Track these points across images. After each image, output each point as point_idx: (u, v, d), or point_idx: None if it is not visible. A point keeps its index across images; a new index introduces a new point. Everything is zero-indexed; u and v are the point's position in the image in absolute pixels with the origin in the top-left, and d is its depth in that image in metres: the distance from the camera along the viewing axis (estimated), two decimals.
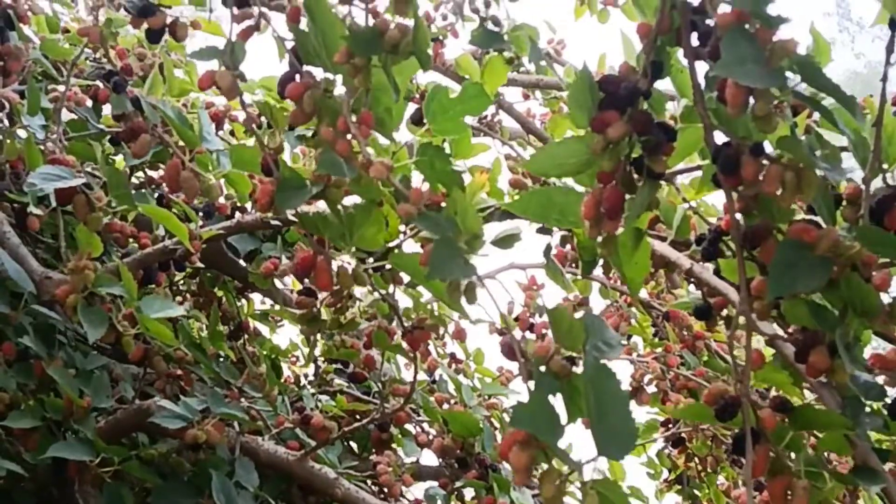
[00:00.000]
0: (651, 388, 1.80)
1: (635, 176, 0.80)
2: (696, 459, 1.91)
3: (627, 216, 0.80)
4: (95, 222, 1.10)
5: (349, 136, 0.77)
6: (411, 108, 1.50)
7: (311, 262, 0.83)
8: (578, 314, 0.77)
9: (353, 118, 0.77)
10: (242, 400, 1.37)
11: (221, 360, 1.47)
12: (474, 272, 0.76)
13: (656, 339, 1.86)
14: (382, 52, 0.74)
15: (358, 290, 1.12)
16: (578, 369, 0.79)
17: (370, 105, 0.78)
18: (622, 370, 1.94)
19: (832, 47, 1.15)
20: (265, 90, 2.12)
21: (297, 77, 0.85)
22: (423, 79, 1.72)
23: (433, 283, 0.82)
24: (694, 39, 0.77)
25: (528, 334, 1.80)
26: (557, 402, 0.74)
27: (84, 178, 1.08)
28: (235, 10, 0.87)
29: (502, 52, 0.88)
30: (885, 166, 0.81)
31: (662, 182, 0.83)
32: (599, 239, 0.82)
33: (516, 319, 1.79)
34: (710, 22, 0.74)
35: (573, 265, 1.32)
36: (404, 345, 1.18)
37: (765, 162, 0.73)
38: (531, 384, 0.77)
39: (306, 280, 0.95)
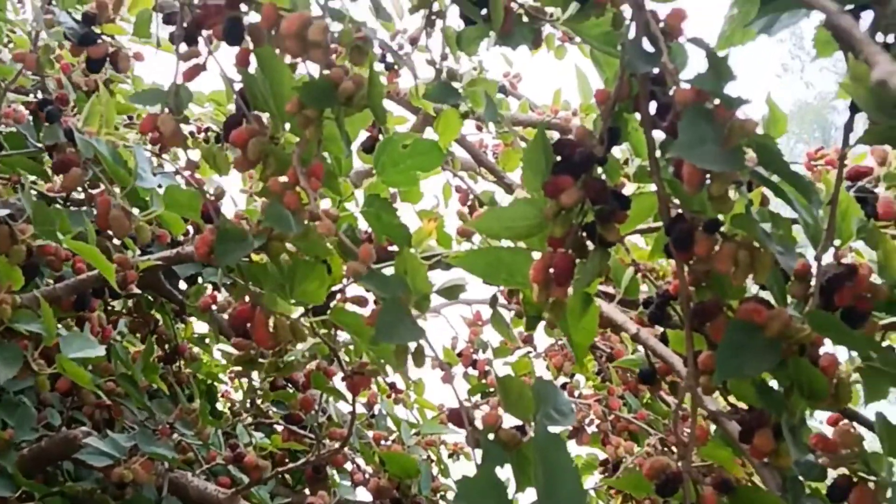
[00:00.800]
0: (592, 428, 1.79)
1: (587, 241, 0.79)
2: (634, 501, 1.91)
3: (577, 282, 0.79)
4: (17, 255, 1.05)
5: (297, 189, 0.75)
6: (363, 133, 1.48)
7: (249, 315, 0.80)
8: (529, 382, 0.75)
9: (303, 169, 0.74)
10: (174, 434, 1.32)
11: (155, 391, 1.43)
12: (423, 335, 0.73)
13: (599, 380, 1.86)
14: (335, 104, 0.71)
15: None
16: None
17: (320, 156, 0.76)
18: None
19: (784, 75, 1.15)
20: (214, 104, 2.09)
21: (244, 122, 0.82)
22: None
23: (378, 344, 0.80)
24: (652, 108, 0.76)
25: (470, 370, 1.78)
26: (506, 469, 0.73)
27: (7, 209, 1.03)
28: (182, 48, 0.84)
29: (457, 106, 0.87)
30: (836, 244, 0.80)
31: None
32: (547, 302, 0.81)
33: (459, 355, 1.78)
34: (669, 92, 0.73)
35: (518, 316, 1.30)
36: (344, 388, 1.15)
37: (718, 238, 0.72)
38: (478, 453, 0.75)
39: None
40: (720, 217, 0.72)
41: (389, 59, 1.82)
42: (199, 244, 0.78)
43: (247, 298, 0.83)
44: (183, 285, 1.64)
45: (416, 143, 0.93)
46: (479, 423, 0.73)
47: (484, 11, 0.87)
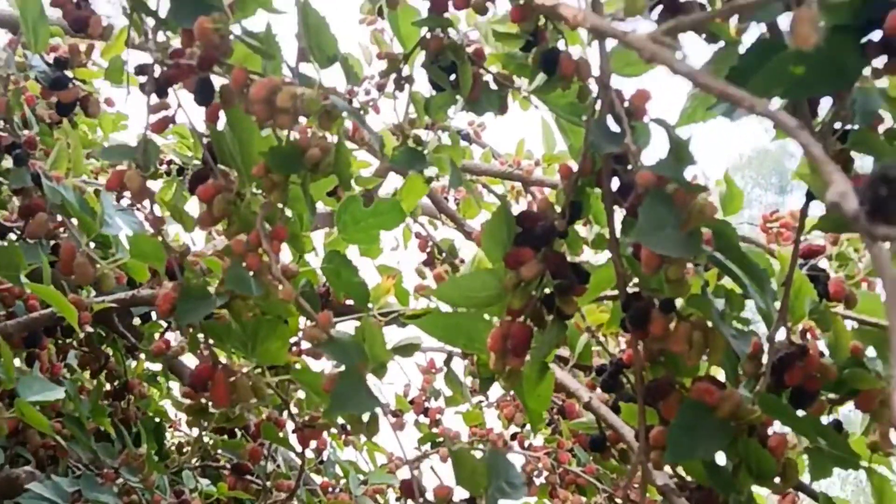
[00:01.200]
0: (540, 480, 1.79)
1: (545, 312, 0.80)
2: None
3: (534, 352, 0.80)
4: None
5: (260, 250, 0.75)
6: None
7: (209, 374, 0.79)
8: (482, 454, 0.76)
9: (266, 231, 0.74)
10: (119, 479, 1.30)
11: (102, 431, 1.41)
12: (378, 404, 0.74)
13: (550, 431, 1.86)
14: (302, 170, 0.72)
15: None
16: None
17: (284, 219, 0.76)
18: (514, 461, 1.94)
19: (743, 120, 1.17)
20: (178, 137, 2.08)
21: (211, 176, 0.82)
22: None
23: None
24: (615, 184, 0.77)
25: (422, 418, 1.78)
26: None
27: None
28: (152, 99, 0.84)
29: (422, 172, 0.88)
30: (788, 324, 0.82)
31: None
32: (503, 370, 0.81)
33: (412, 402, 1.78)
34: (631, 170, 0.75)
35: (472, 376, 1.31)
36: (293, 439, 1.14)
37: (674, 318, 0.74)
38: None
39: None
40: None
41: (356, 103, 1.83)
42: (162, 301, 0.78)
43: (206, 354, 0.82)
44: (137, 320, 1.63)
45: (378, 204, 0.94)
46: (430, 496, 0.73)
47: (453, 77, 0.88)
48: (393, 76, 0.84)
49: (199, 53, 0.72)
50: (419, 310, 1.08)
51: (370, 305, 1.05)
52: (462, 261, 2.15)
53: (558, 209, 0.79)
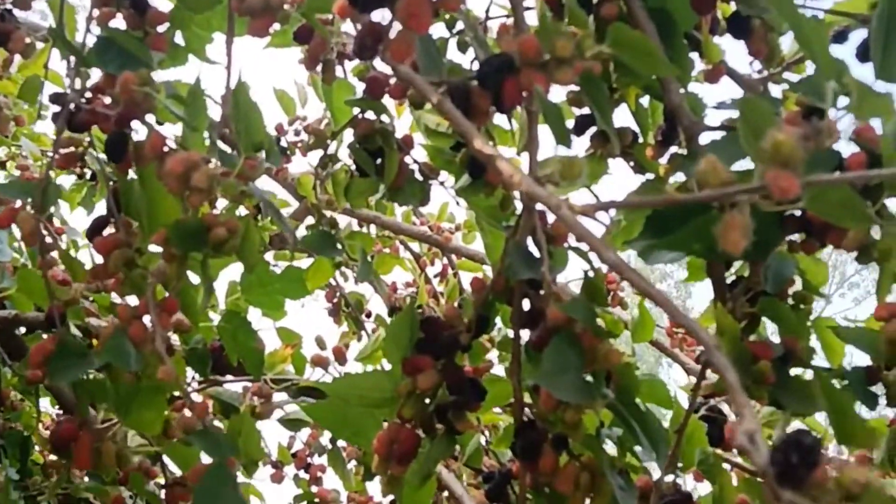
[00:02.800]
0: None
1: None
2: None
3: (419, 462, 0.77)
4: None
5: (147, 321, 0.71)
6: None
7: (73, 435, 0.75)
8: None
9: (155, 303, 0.70)
10: None
11: None
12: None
13: None
14: (204, 248, 0.68)
15: None
16: None
17: (177, 289, 0.72)
18: None
19: None
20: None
21: (112, 226, 0.78)
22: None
23: None
24: (526, 304, 0.76)
25: (302, 473, 1.73)
26: None
27: None
28: (63, 134, 0.80)
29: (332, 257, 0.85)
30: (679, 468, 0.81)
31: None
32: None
33: (294, 455, 1.73)
34: (543, 295, 0.73)
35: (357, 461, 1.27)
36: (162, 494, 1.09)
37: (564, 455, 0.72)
38: None
39: None
40: None
41: (283, 143, 1.80)
42: (34, 353, 0.73)
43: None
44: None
45: (287, 270, 0.91)
46: None
47: (379, 161, 0.86)
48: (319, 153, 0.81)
49: (119, 110, 0.69)
50: (313, 382, 1.04)
51: (263, 373, 1.01)
52: (368, 314, 2.12)
53: (465, 319, 0.77)
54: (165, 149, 0.66)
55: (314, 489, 1.67)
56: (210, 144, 0.66)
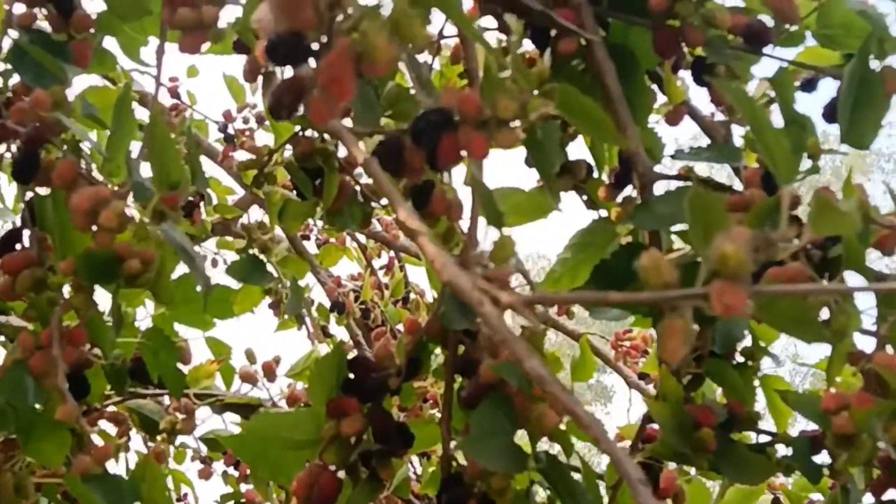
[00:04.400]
0: None
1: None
2: None
3: None
4: None
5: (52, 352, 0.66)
6: None
7: None
8: None
9: (59, 334, 0.65)
10: None
11: None
12: None
13: None
14: (115, 280, 0.63)
15: None
16: None
17: (86, 320, 0.67)
18: None
19: None
20: None
21: (25, 238, 0.73)
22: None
23: None
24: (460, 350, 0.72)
25: (231, 469, 1.69)
26: None
27: None
28: None
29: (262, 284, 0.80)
30: None
31: None
32: None
33: (224, 452, 1.68)
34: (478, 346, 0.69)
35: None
36: None
37: None
38: None
39: None
40: None
41: (231, 130, 1.74)
42: None
43: None
44: None
45: (217, 288, 0.86)
46: None
47: (319, 181, 0.81)
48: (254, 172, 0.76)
49: (28, 130, 0.63)
50: (240, 397, 1.00)
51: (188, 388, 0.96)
52: (311, 302, 2.08)
53: (398, 360, 0.73)
54: (74, 177, 0.61)
55: (244, 488, 1.63)
56: (128, 173, 0.61)
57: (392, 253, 2.00)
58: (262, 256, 0.78)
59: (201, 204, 1.43)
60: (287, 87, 0.42)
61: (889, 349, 0.53)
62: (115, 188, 0.60)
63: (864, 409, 0.50)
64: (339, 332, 1.94)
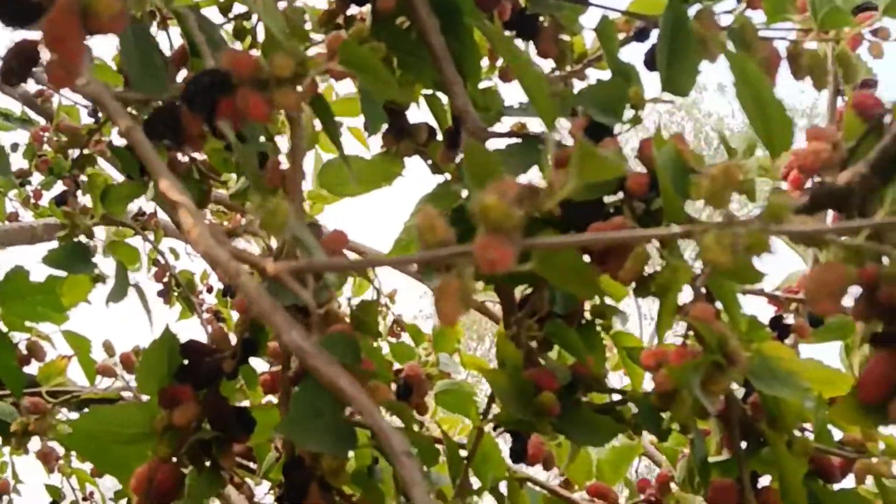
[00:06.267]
0: None
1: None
2: None
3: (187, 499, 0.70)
4: None
5: None
6: None
7: None
8: None
9: None
10: None
11: None
12: None
13: None
14: None
15: None
16: None
17: None
18: None
19: None
20: None
21: None
22: None
23: None
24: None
25: None
26: None
27: None
28: None
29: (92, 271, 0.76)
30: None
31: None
32: None
33: None
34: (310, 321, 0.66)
35: None
36: None
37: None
38: None
39: None
40: None
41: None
42: None
43: None
44: None
45: (48, 280, 0.82)
46: None
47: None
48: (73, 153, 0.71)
49: None
50: (97, 392, 0.95)
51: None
52: (210, 289, 2.04)
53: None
54: None
55: None
56: None
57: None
58: (88, 242, 0.73)
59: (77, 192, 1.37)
60: (16, 51, 0.38)
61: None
62: None
63: (681, 364, 0.49)
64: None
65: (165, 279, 1.77)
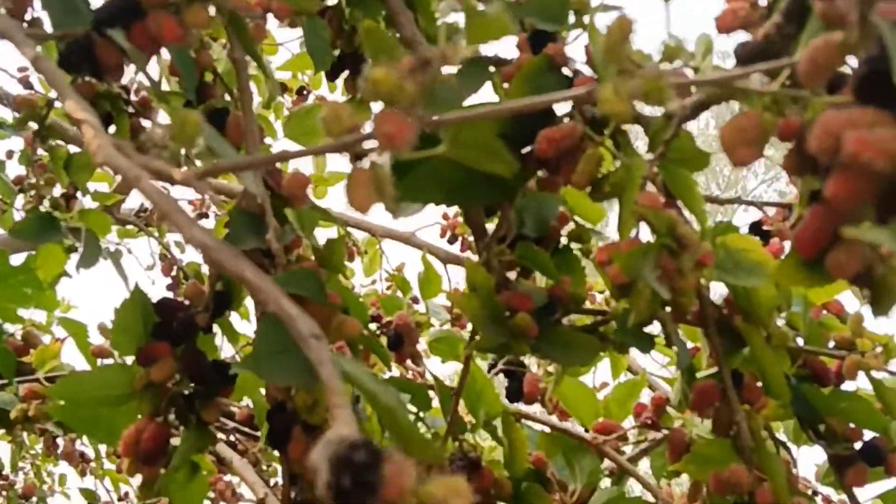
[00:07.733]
0: None
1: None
2: None
3: (174, 459, 0.69)
4: None
5: None
6: None
7: None
8: None
9: None
10: None
11: None
12: None
13: None
14: None
15: None
16: None
17: None
18: None
19: None
20: None
21: None
22: None
23: None
24: None
25: None
26: None
27: None
28: None
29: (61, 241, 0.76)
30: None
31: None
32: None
33: None
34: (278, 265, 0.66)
35: None
36: None
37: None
38: None
39: None
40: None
41: None
42: None
43: None
44: None
45: (27, 261, 0.82)
46: None
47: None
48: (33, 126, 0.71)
49: None
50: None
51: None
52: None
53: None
54: None
55: None
56: None
57: None
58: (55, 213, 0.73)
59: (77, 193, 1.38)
60: None
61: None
62: None
63: (630, 251, 0.47)
64: None
65: (173, 273, 1.78)
